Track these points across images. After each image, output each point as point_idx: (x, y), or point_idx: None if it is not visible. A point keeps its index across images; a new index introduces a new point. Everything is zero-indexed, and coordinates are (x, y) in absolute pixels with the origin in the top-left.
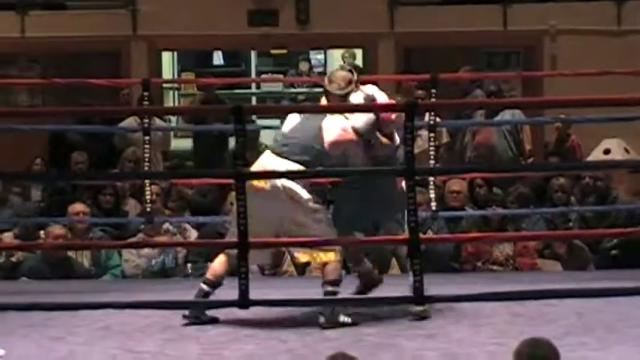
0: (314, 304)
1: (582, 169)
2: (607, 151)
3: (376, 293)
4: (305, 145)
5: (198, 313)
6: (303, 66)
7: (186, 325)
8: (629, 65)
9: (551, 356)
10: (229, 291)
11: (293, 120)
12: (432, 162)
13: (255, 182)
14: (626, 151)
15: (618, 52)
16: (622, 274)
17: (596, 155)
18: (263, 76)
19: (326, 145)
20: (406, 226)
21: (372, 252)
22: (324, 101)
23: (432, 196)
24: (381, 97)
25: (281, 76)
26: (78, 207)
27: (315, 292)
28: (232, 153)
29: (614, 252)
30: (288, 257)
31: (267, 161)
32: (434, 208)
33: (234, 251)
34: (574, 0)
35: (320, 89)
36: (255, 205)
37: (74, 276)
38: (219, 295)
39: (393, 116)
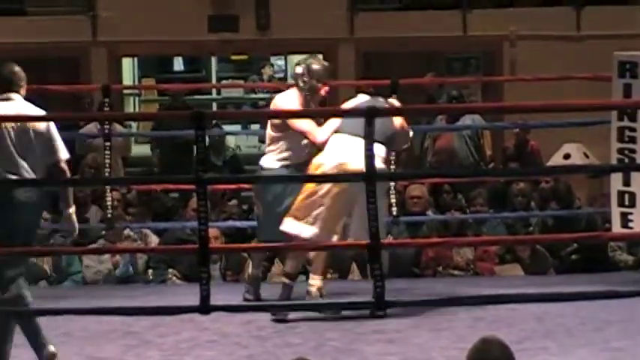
0: (274, 310)
1: (542, 174)
2: (567, 156)
3: (338, 298)
4: (379, 128)
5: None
6: (267, 71)
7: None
8: (589, 70)
9: (502, 358)
10: (190, 297)
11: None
12: (392, 167)
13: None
14: (586, 155)
15: (578, 57)
16: (582, 279)
17: (556, 160)
18: (223, 82)
19: (398, 126)
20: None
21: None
22: None
23: (393, 201)
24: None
25: (241, 82)
26: None
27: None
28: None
29: (574, 257)
30: (250, 263)
31: (346, 144)
32: (394, 213)
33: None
34: (533, 5)
35: None
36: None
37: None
38: (181, 301)
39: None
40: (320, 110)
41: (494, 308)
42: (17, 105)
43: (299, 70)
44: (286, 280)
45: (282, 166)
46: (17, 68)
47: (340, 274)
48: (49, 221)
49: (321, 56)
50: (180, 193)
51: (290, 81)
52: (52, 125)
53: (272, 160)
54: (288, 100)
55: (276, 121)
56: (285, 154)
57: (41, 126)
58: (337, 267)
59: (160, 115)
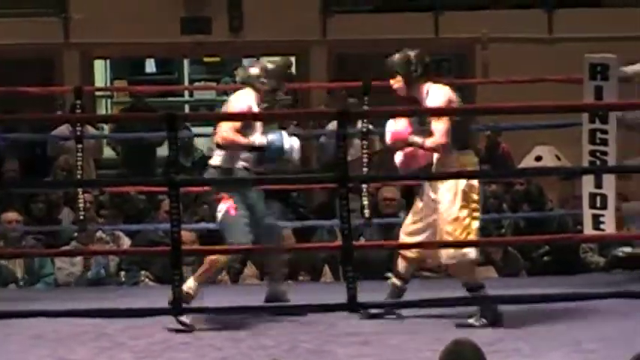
0: (248, 312)
1: (514, 177)
2: (538, 158)
3: (311, 300)
4: None
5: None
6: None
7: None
8: (561, 72)
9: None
10: (163, 299)
11: None
12: (365, 169)
13: None
14: (558, 158)
15: (550, 59)
16: (554, 281)
17: (528, 162)
18: (196, 84)
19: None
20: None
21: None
22: None
23: (365, 203)
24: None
25: (214, 84)
26: (10, 215)
27: (248, 300)
28: (166, 160)
29: (545, 258)
30: None
31: None
32: (367, 215)
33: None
34: (506, 8)
35: None
36: None
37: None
38: (154, 303)
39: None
40: (283, 113)
41: (467, 310)
42: None
43: (254, 71)
44: (397, 282)
45: (244, 168)
46: None
47: (312, 276)
48: (21, 223)
49: (293, 58)
50: (148, 195)
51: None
52: None
53: (229, 159)
54: (246, 101)
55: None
56: (245, 156)
57: None
58: (310, 269)
59: (131, 117)
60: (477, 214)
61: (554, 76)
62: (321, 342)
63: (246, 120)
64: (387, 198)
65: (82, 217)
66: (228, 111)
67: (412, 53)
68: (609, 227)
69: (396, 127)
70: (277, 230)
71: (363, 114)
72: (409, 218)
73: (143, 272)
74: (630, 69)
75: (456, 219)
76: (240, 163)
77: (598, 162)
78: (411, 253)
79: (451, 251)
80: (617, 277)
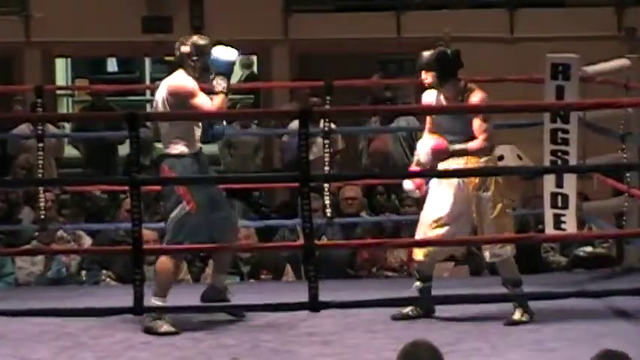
0: (210, 311)
1: (476, 175)
2: (500, 158)
3: (273, 299)
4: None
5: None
6: None
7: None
8: (522, 72)
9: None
10: (125, 298)
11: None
12: (326, 169)
13: None
14: (519, 157)
15: (511, 59)
16: None
17: None
18: (157, 82)
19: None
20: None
21: None
22: None
23: (327, 202)
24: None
25: None
26: None
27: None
28: (126, 159)
29: None
30: (186, 265)
31: None
32: (329, 214)
33: None
34: (467, 7)
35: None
36: None
37: None
38: (115, 302)
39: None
40: (246, 112)
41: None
42: None
43: (185, 48)
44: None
45: (192, 154)
46: None
47: (274, 276)
48: None
49: (255, 58)
50: (109, 194)
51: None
52: None
53: (178, 146)
54: (184, 81)
55: (172, 102)
56: (186, 140)
57: None
58: (272, 268)
59: (93, 117)
60: (509, 210)
61: (515, 75)
62: (282, 341)
63: (205, 119)
64: (349, 197)
65: (42, 217)
66: (172, 92)
67: (449, 50)
68: (570, 227)
69: (430, 142)
70: (234, 225)
71: (325, 113)
72: (434, 209)
73: (104, 271)
74: (591, 69)
75: (498, 216)
76: (197, 145)
77: (559, 161)
78: (420, 252)
79: (496, 249)
80: (578, 277)
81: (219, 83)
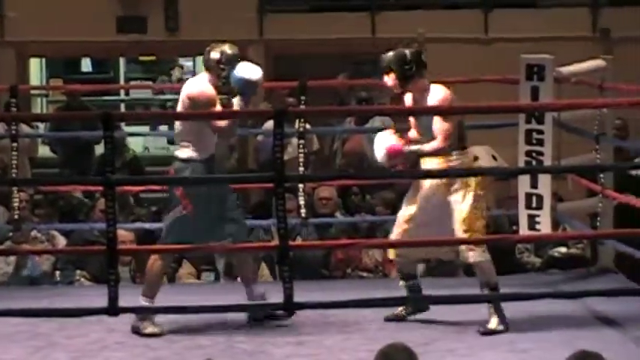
0: (184, 312)
1: (450, 176)
2: (475, 158)
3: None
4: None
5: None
6: (176, 72)
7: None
8: (497, 73)
9: None
10: (99, 298)
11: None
12: (301, 169)
13: None
14: (494, 158)
15: (485, 60)
16: None
17: None
18: (132, 82)
19: None
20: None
21: None
22: None
23: (302, 202)
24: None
25: (150, 83)
26: None
27: (185, 299)
28: (100, 159)
29: None
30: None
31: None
32: (303, 215)
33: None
34: (442, 8)
35: None
36: None
37: None
38: (89, 302)
39: None
40: (220, 112)
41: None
42: None
43: (215, 55)
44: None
45: (202, 159)
46: None
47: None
48: None
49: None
50: (84, 194)
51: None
52: None
53: (186, 150)
54: (204, 88)
55: (187, 105)
56: (195, 145)
57: None
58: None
59: (67, 116)
60: (484, 212)
61: (490, 76)
62: (257, 342)
63: (181, 120)
64: (324, 198)
65: (16, 217)
66: (190, 97)
67: (407, 50)
68: (545, 227)
69: (386, 143)
70: (244, 228)
71: (300, 113)
72: (405, 208)
73: (79, 272)
74: (566, 69)
75: (467, 218)
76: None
77: (534, 162)
78: (392, 251)
79: (477, 251)
80: (552, 278)
81: (238, 104)
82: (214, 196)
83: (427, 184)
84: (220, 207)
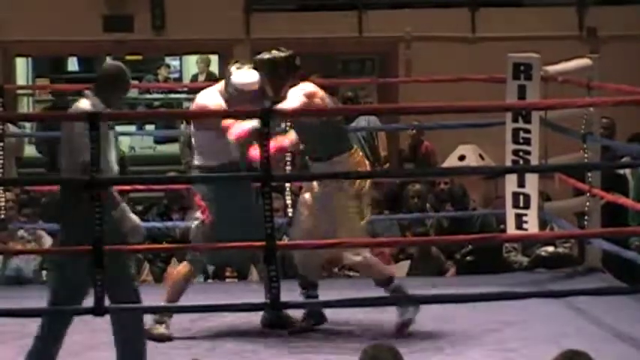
0: (170, 311)
1: (437, 176)
2: (462, 158)
3: (235, 300)
4: None
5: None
6: (163, 72)
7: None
8: (484, 72)
9: None
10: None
11: None
12: (288, 168)
13: None
14: (481, 157)
15: (473, 58)
16: (478, 280)
17: (452, 161)
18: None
19: None
20: None
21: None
22: None
23: (289, 202)
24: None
25: (136, 82)
26: None
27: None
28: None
29: (469, 258)
30: (147, 265)
31: None
32: (290, 214)
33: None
34: (429, 7)
35: (176, 95)
36: None
37: None
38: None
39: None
40: (206, 112)
41: (391, 309)
42: None
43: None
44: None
45: (217, 166)
46: None
47: (239, 276)
48: None
49: (216, 57)
50: None
51: (186, 81)
52: None
53: (200, 157)
54: (210, 101)
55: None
56: (209, 152)
57: None
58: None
59: (54, 116)
60: (365, 212)
61: (477, 75)
62: (243, 342)
63: (167, 118)
64: None
65: (2, 216)
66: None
67: (278, 54)
68: (532, 227)
69: (241, 126)
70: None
71: (284, 113)
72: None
73: None
74: (553, 68)
75: (347, 220)
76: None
77: (521, 161)
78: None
79: (351, 253)
80: (540, 277)
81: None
82: (235, 202)
83: (311, 186)
84: (244, 213)
